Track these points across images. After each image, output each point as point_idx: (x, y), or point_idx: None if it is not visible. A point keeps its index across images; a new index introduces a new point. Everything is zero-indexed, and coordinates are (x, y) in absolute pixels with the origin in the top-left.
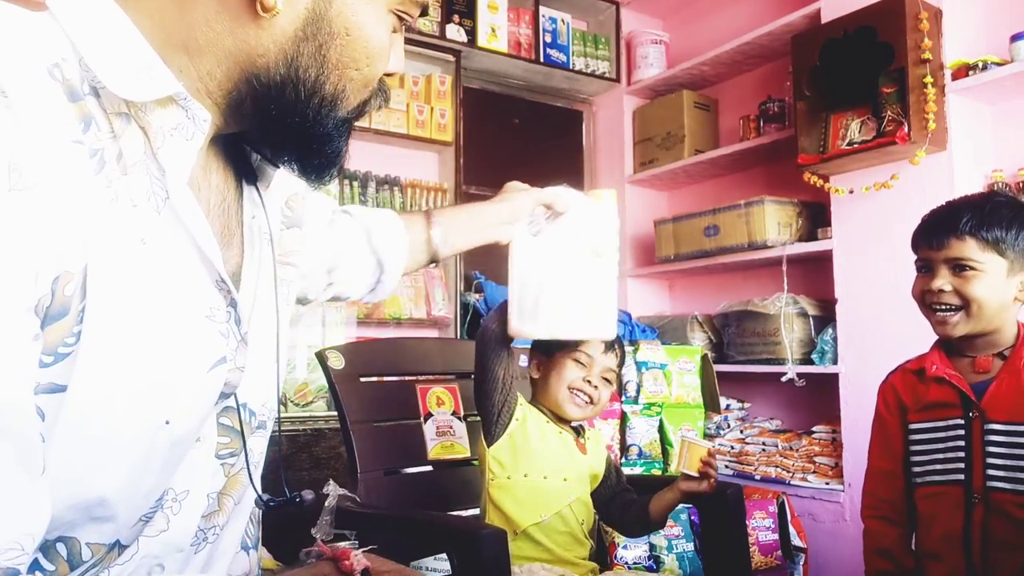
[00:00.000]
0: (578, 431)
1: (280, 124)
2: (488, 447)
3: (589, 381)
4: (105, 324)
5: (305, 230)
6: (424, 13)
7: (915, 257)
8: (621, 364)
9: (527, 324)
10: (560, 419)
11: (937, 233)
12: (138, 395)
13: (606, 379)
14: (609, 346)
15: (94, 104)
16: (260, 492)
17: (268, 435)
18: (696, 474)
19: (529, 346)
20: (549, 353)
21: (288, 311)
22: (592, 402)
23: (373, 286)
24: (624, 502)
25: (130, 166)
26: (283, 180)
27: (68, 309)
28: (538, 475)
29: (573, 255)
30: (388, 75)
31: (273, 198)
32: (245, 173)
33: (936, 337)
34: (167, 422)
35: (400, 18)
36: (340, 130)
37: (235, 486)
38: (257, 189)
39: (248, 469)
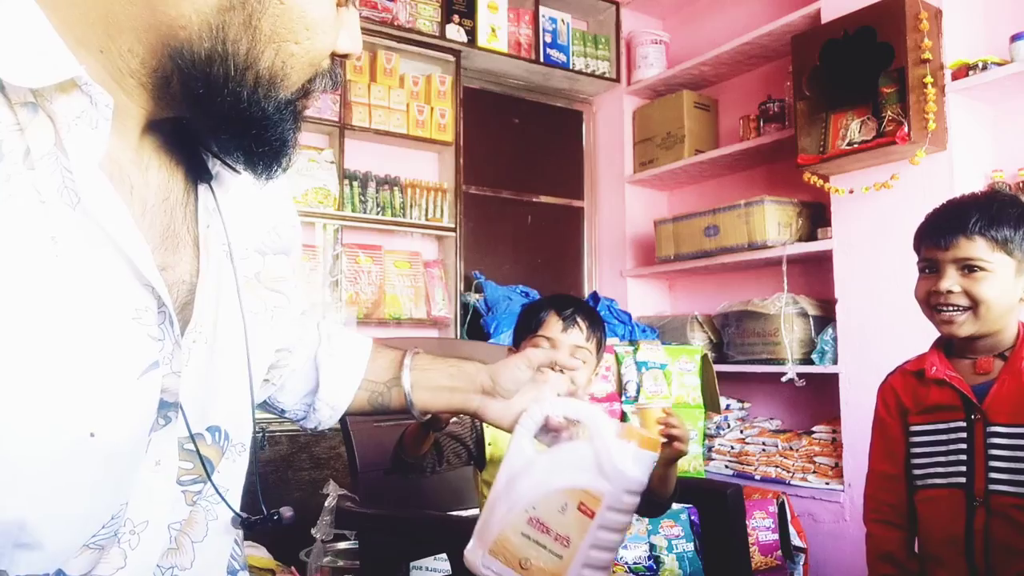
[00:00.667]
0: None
1: (212, 105)
2: (480, 471)
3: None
4: (9, 331)
5: (292, 259)
6: None
7: (917, 258)
8: (595, 338)
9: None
10: None
11: (945, 233)
12: (52, 405)
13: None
14: (568, 321)
15: None
16: (237, 511)
17: (248, 456)
18: (661, 439)
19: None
20: (516, 344)
21: (272, 339)
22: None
23: (307, 409)
24: None
25: (38, 159)
26: (270, 204)
27: None
28: None
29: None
30: (342, 56)
31: (243, 212)
32: (198, 176)
33: (935, 337)
34: (92, 434)
35: None
36: (283, 114)
37: (195, 523)
38: (214, 198)
39: (217, 491)
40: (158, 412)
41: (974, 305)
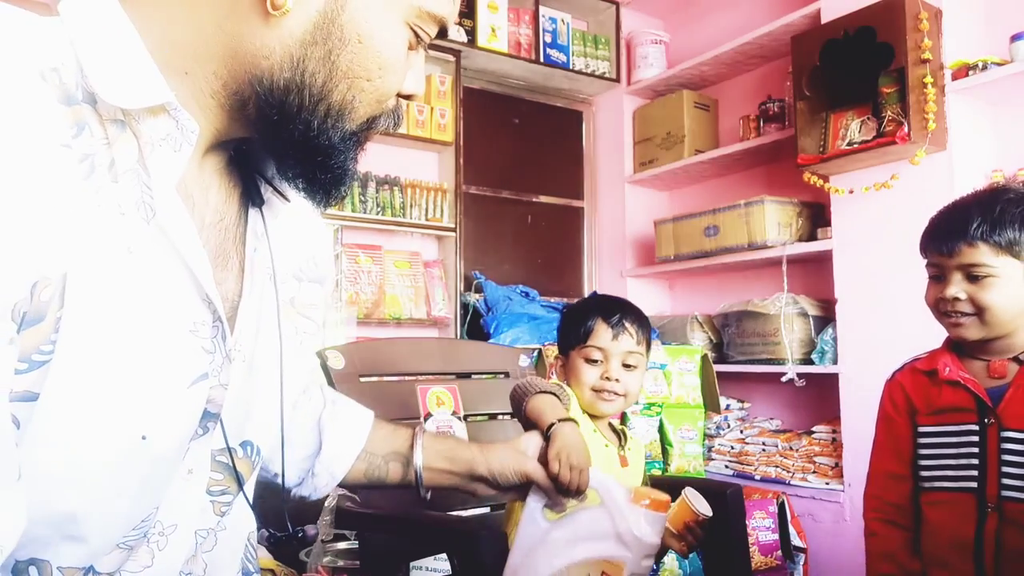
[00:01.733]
0: (620, 437)
1: (283, 130)
2: None
3: (608, 377)
4: (83, 333)
5: (325, 289)
6: (443, 35)
7: (925, 262)
8: (644, 339)
9: None
10: (598, 417)
11: (947, 239)
12: (113, 407)
13: (628, 365)
14: (617, 328)
15: (89, 110)
16: (271, 530)
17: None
18: (675, 532)
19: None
20: (564, 352)
21: (303, 364)
22: (620, 394)
23: (304, 473)
24: None
25: (121, 174)
26: (311, 234)
27: (44, 315)
28: None
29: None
30: (405, 97)
31: (286, 239)
32: (251, 201)
33: (935, 336)
34: (143, 437)
35: (417, 35)
36: (347, 144)
37: (209, 535)
38: (264, 223)
39: (248, 502)
40: (200, 422)
41: (979, 312)
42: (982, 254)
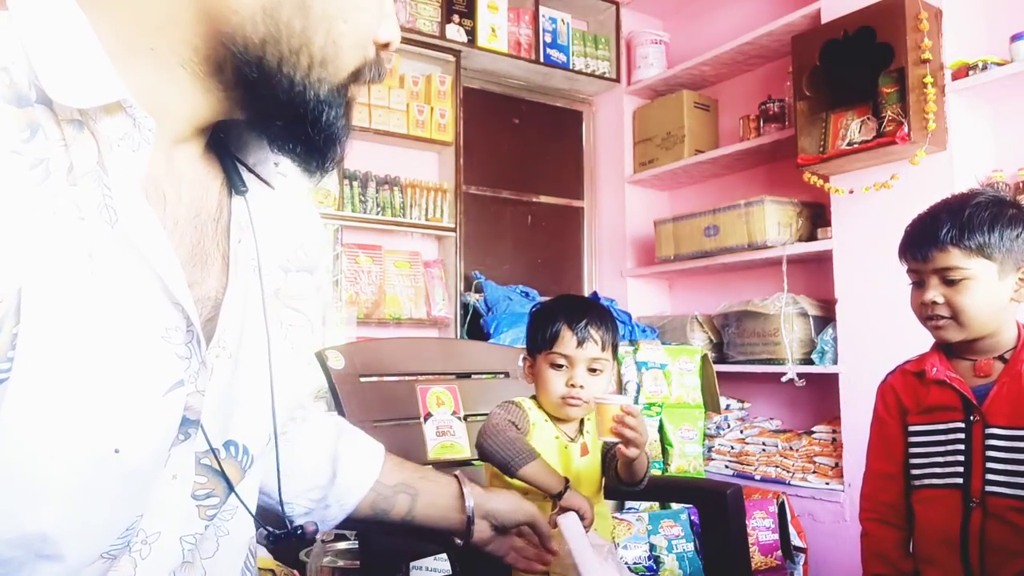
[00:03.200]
0: (579, 423)
1: (266, 90)
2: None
3: (573, 384)
4: (43, 347)
5: (317, 278)
6: None
7: (905, 268)
8: (610, 344)
9: None
10: (563, 419)
11: (920, 245)
12: (81, 422)
13: (593, 369)
14: (582, 334)
15: (44, 111)
16: (265, 526)
17: (261, 469)
18: (613, 438)
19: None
20: (531, 354)
21: (294, 359)
22: (585, 400)
23: (314, 504)
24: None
25: (80, 176)
26: (299, 222)
27: None
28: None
29: None
30: (383, 46)
31: (273, 227)
32: (233, 190)
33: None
34: (116, 451)
35: None
36: (335, 98)
37: (206, 539)
38: (248, 212)
39: (242, 502)
40: (179, 429)
41: (955, 314)
42: (954, 258)
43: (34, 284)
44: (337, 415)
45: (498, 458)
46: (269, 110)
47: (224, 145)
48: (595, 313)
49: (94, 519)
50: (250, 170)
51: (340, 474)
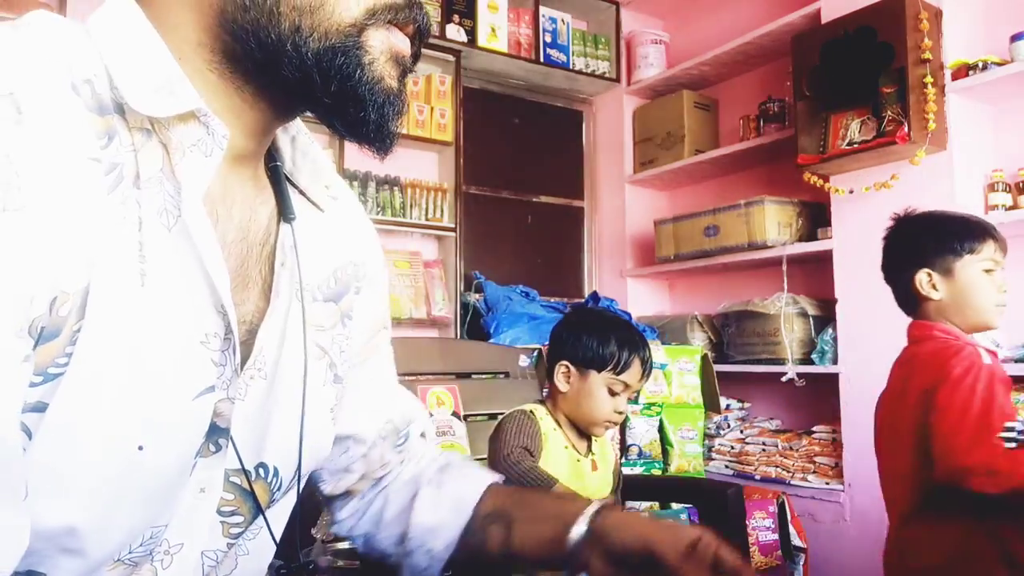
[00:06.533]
0: (588, 441)
1: (276, 66)
2: None
3: (620, 411)
4: (98, 345)
5: (377, 296)
6: None
7: (974, 254)
8: None
9: None
10: (580, 433)
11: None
12: (112, 417)
13: (630, 398)
14: (646, 370)
15: (118, 119)
16: (278, 558)
17: (295, 497)
18: None
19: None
20: (582, 370)
21: (330, 386)
22: (616, 423)
23: (396, 548)
24: None
25: (144, 181)
26: (340, 246)
27: (61, 330)
28: None
29: None
30: None
31: (314, 254)
32: (283, 216)
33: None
34: (140, 448)
35: None
36: (343, 45)
37: (227, 557)
38: (293, 236)
39: (268, 527)
40: (209, 437)
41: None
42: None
43: (98, 285)
44: (455, 453)
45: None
46: (289, 89)
47: (277, 172)
48: (647, 344)
49: (117, 518)
50: (301, 192)
51: (413, 524)
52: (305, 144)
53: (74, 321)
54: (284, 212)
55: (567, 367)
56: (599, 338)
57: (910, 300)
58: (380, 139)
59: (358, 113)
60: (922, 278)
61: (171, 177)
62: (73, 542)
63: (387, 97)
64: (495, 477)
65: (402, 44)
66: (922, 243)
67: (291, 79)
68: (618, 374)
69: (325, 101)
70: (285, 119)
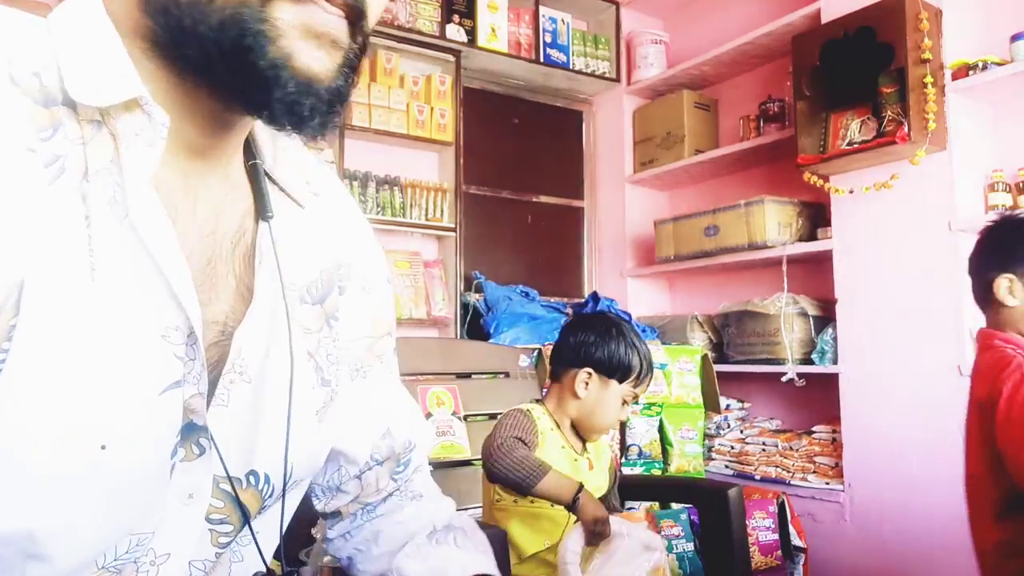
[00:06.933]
0: (582, 442)
1: (192, 47)
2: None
3: (623, 420)
4: (41, 340)
5: (326, 306)
6: None
7: None
8: None
9: None
10: (576, 434)
11: None
12: (68, 415)
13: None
14: (648, 383)
15: (67, 112)
16: (267, 566)
17: (286, 503)
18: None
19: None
20: (605, 379)
21: (317, 388)
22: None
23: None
24: None
25: (94, 173)
26: (320, 247)
27: None
28: (545, 502)
29: None
30: None
31: (297, 253)
32: (261, 215)
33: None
34: (102, 447)
35: None
36: (252, 14)
37: (220, 564)
38: (271, 236)
39: (255, 539)
40: (187, 437)
41: None
42: None
43: (37, 278)
44: (452, 505)
45: (511, 479)
46: (211, 70)
47: (257, 169)
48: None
49: (84, 522)
50: (282, 190)
51: (395, 568)
52: (285, 140)
53: (10, 316)
54: (261, 210)
55: (590, 374)
56: (628, 350)
57: (986, 300)
58: (299, 128)
59: (263, 97)
60: (1003, 283)
61: (119, 168)
62: (35, 548)
63: (299, 79)
64: (489, 566)
65: (322, 19)
66: (1013, 248)
67: (195, 59)
68: (636, 386)
69: (228, 83)
70: (238, 112)
